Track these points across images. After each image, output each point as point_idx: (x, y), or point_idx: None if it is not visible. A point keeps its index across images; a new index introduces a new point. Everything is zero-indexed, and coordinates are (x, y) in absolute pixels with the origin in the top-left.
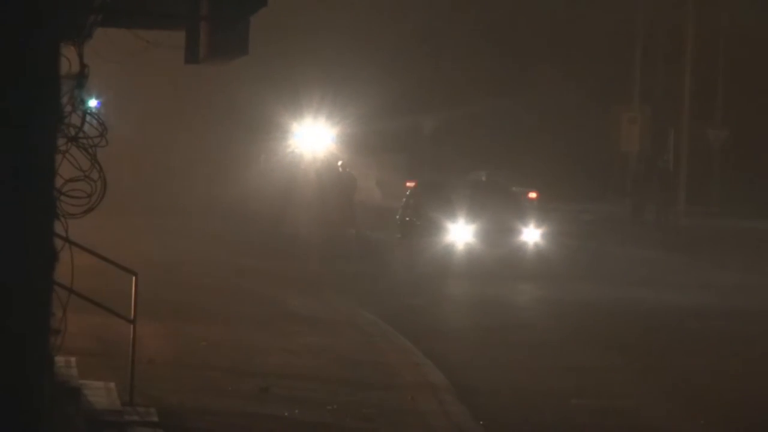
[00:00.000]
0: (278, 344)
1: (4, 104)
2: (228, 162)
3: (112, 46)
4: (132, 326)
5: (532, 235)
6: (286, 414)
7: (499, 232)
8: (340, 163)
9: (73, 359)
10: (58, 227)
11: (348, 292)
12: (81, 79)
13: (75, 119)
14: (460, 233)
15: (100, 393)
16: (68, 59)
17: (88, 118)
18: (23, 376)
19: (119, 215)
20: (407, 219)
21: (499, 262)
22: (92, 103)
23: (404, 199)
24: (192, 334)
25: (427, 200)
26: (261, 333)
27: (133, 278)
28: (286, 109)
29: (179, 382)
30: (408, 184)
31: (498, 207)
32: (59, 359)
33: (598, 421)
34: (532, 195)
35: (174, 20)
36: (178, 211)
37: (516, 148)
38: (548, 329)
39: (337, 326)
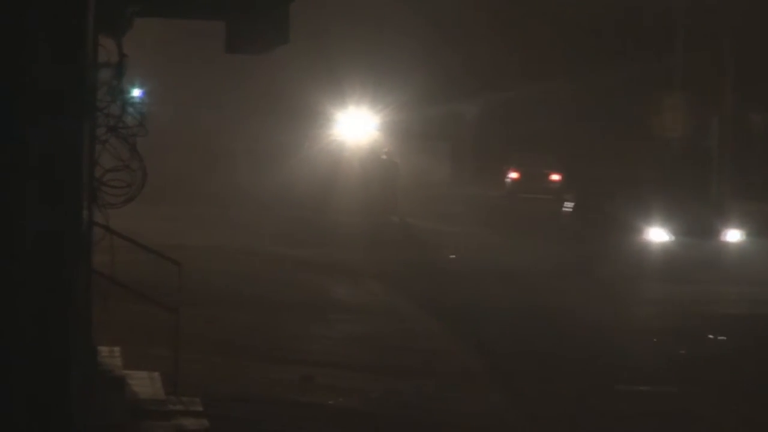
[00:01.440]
0: (321, 332)
1: (43, 88)
2: (271, 150)
3: (153, 36)
4: (176, 315)
5: (733, 235)
6: (329, 402)
7: (696, 232)
8: (384, 150)
9: (117, 349)
10: (99, 216)
11: (390, 280)
12: (120, 69)
13: (115, 109)
14: (655, 232)
15: (145, 382)
16: (107, 49)
17: (127, 108)
18: (62, 365)
19: (161, 205)
20: (582, 214)
21: (699, 264)
22: (136, 92)
23: (573, 194)
24: (235, 322)
25: (608, 197)
26: (303, 321)
27: (177, 268)
28: (328, 97)
29: (223, 370)
30: (511, 175)
31: (693, 206)
32: (103, 349)
33: None
34: (555, 177)
35: (214, 10)
36: (221, 200)
37: (557, 133)
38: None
39: (378, 315)
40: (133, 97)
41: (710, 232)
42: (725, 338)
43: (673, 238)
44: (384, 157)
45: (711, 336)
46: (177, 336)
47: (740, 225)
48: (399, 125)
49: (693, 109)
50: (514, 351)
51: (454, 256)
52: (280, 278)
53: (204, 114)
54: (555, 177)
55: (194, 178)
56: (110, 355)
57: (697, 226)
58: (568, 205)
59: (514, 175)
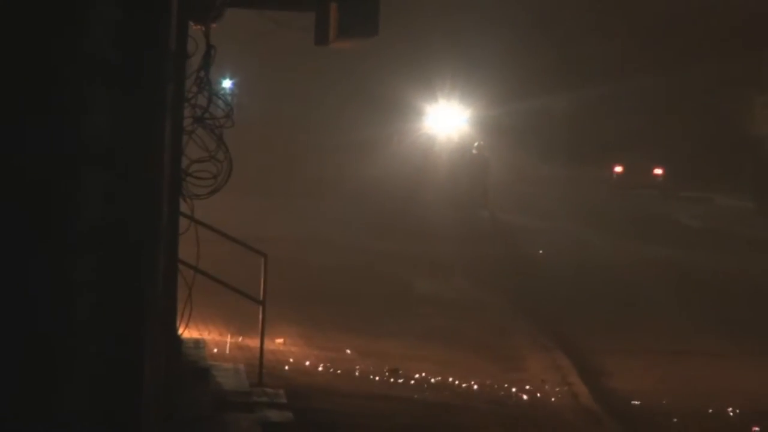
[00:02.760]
0: (407, 327)
1: (131, 74)
2: (362, 144)
3: (243, 27)
4: (261, 307)
5: None
6: (415, 396)
7: None
8: (475, 144)
9: (202, 340)
10: (184, 207)
11: (478, 274)
12: (207, 60)
13: (202, 101)
14: None
15: (229, 374)
16: (195, 40)
17: (214, 98)
18: (134, 366)
19: (249, 196)
20: None
21: None
22: (226, 83)
23: None
24: (321, 315)
25: None
26: (390, 315)
27: (263, 259)
28: (419, 90)
29: (308, 363)
30: (615, 169)
31: None
32: (188, 340)
33: None
34: (658, 171)
35: (303, 1)
36: (308, 193)
37: (645, 129)
38: None
39: (466, 310)
40: (222, 88)
41: None
42: None
43: None
44: (474, 151)
45: None
46: (262, 328)
47: None
48: (489, 119)
49: None
50: (605, 349)
51: (541, 252)
52: (367, 271)
53: (294, 107)
54: (658, 171)
55: (283, 170)
56: (195, 346)
57: None
58: None
59: (618, 169)
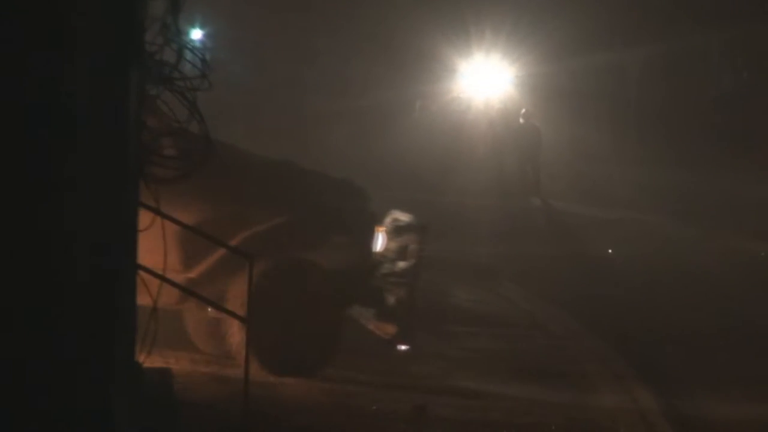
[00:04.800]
0: (441, 349)
1: (62, 27)
2: (378, 111)
3: None
4: (246, 326)
5: None
6: None
7: None
8: (522, 112)
9: (169, 370)
10: (146, 196)
11: (531, 281)
12: (175, 3)
13: (169, 56)
14: None
15: (204, 415)
16: None
17: (185, 53)
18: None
19: None
20: None
21: None
22: (196, 34)
23: None
24: None
25: None
26: (419, 334)
27: (247, 264)
28: (450, 42)
29: (311, 398)
30: None
31: None
32: (152, 370)
33: None
34: None
35: None
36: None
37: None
38: None
39: (514, 326)
40: (192, 41)
41: None
42: None
43: None
44: (522, 120)
45: None
46: (247, 354)
47: None
48: (542, 80)
49: None
50: (702, 382)
51: (611, 251)
52: None
53: (286, 65)
54: None
55: (274, 144)
56: (160, 378)
57: None
58: None
59: None
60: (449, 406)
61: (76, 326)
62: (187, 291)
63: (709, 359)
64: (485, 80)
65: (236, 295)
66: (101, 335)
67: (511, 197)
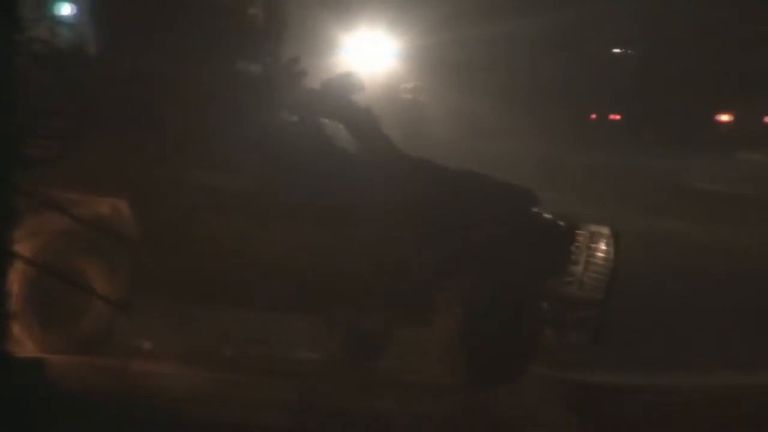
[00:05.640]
0: None
1: None
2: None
3: None
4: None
5: None
6: None
7: None
8: (407, 87)
9: (42, 359)
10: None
11: None
12: None
13: (42, 31)
14: None
15: (79, 405)
16: None
17: (59, 28)
18: None
19: None
20: None
21: None
22: (65, 10)
23: None
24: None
25: None
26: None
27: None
28: (329, 13)
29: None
30: (720, 117)
31: None
32: (23, 359)
33: None
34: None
35: None
36: None
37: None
38: None
39: None
40: (62, 16)
41: None
42: None
43: None
44: (407, 96)
45: None
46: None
47: None
48: (429, 52)
49: None
50: None
51: None
52: None
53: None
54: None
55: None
56: (32, 368)
57: None
58: None
59: (724, 117)
60: None
61: None
62: (54, 273)
63: None
64: (368, 54)
65: None
66: None
67: None
